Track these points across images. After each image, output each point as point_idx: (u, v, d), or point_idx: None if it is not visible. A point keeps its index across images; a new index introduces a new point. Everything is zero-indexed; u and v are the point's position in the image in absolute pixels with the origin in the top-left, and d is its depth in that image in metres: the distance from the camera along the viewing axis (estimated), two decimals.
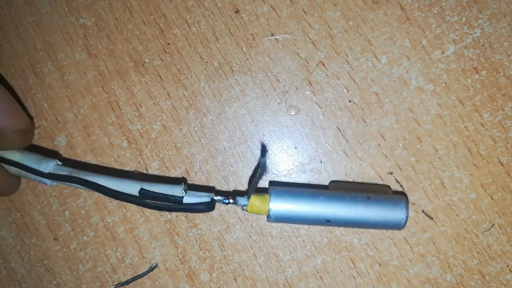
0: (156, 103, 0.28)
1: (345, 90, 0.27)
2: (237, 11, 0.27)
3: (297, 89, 0.27)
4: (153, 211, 0.28)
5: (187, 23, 0.28)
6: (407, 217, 0.23)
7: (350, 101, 0.27)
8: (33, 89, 0.28)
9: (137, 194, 0.23)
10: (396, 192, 0.27)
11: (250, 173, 0.27)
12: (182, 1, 0.28)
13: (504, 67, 0.26)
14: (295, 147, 0.27)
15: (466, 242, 0.27)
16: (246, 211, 0.24)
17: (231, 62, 0.28)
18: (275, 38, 0.27)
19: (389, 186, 0.27)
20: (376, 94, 0.27)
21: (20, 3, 0.28)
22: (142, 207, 0.24)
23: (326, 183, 0.27)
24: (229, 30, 0.28)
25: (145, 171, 0.27)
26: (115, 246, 0.28)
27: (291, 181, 0.27)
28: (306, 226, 0.27)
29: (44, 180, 0.24)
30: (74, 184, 0.24)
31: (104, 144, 0.28)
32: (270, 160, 0.27)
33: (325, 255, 0.27)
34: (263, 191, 0.24)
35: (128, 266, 0.28)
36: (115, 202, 0.28)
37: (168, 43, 0.28)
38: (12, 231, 0.28)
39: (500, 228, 0.26)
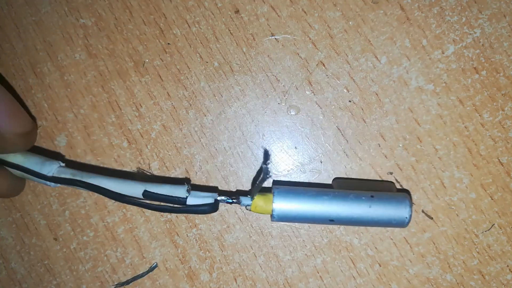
0: (156, 103, 0.28)
1: (345, 90, 0.27)
2: (237, 11, 0.27)
3: (297, 89, 0.27)
4: (153, 211, 0.27)
5: (187, 23, 0.28)
6: (410, 215, 0.23)
7: (350, 101, 0.27)
8: (33, 89, 0.28)
9: (141, 196, 0.23)
10: (400, 190, 0.27)
11: (250, 173, 0.27)
12: (182, 1, 0.28)
13: (504, 67, 0.26)
14: (295, 147, 0.27)
15: (466, 242, 0.27)
16: (250, 210, 0.24)
17: (231, 62, 0.28)
18: (275, 38, 0.27)
19: (393, 183, 0.27)
20: (376, 94, 0.27)
21: (20, 3, 0.28)
22: (145, 209, 0.24)
23: (326, 183, 0.27)
24: (229, 30, 0.28)
25: (148, 171, 0.27)
26: (115, 246, 0.28)
27: (292, 181, 0.27)
28: (306, 226, 0.27)
29: (48, 182, 0.24)
30: (78, 187, 0.24)
31: (104, 144, 0.28)
32: (271, 160, 0.27)
33: (325, 255, 0.27)
34: (266, 190, 0.24)
35: (128, 266, 0.28)
36: (115, 202, 0.28)
37: (168, 43, 0.28)
38: (12, 231, 0.28)
39: (500, 228, 0.26)
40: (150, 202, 0.23)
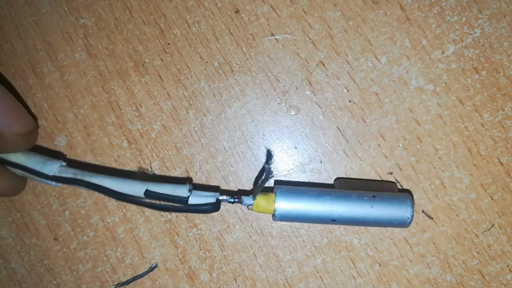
0: (156, 103, 0.28)
1: (345, 90, 0.27)
2: (237, 11, 0.27)
3: (297, 89, 0.27)
4: (153, 211, 0.28)
5: (187, 23, 0.28)
6: (412, 215, 0.23)
7: (350, 101, 0.27)
8: (33, 89, 0.28)
9: (142, 195, 0.23)
10: (402, 190, 0.27)
11: (250, 173, 0.27)
12: (182, 1, 0.28)
13: (504, 67, 0.26)
14: (295, 147, 0.27)
15: (466, 242, 0.27)
16: (252, 210, 0.24)
17: (231, 62, 0.28)
18: (275, 38, 0.27)
19: (394, 183, 0.27)
20: (376, 94, 0.27)
21: (20, 3, 0.28)
22: (146, 208, 0.24)
23: (328, 183, 0.27)
24: (229, 30, 0.28)
25: (149, 170, 0.27)
26: (115, 246, 0.28)
27: (294, 181, 0.27)
28: (306, 226, 0.27)
29: (49, 182, 0.24)
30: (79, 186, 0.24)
31: (104, 144, 0.28)
32: (273, 160, 0.27)
33: (325, 255, 0.27)
34: (267, 190, 0.24)
35: (128, 266, 0.28)
36: (115, 202, 0.28)
37: (168, 43, 0.28)
38: (12, 231, 0.28)
39: (500, 228, 0.26)
40: (152, 201, 0.23)
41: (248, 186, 0.27)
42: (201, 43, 0.28)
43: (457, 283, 0.27)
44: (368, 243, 0.27)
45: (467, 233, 0.27)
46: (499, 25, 0.26)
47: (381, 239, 0.27)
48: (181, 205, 0.23)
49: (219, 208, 0.24)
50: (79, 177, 0.23)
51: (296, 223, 0.27)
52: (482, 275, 0.26)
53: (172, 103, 0.28)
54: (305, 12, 0.27)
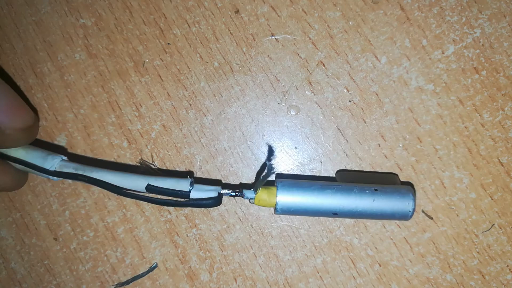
0: (156, 103, 0.28)
1: (345, 90, 0.27)
2: (237, 11, 0.27)
3: (297, 89, 0.27)
4: (153, 211, 0.28)
5: (187, 23, 0.28)
6: (413, 209, 0.24)
7: (350, 101, 0.27)
8: (33, 89, 0.28)
9: (144, 190, 0.23)
10: (404, 182, 0.27)
11: (250, 173, 0.27)
12: (182, 1, 0.28)
13: (504, 67, 0.26)
14: (295, 147, 0.27)
15: (466, 242, 0.27)
16: (253, 204, 0.24)
17: (231, 62, 0.28)
18: (275, 38, 0.27)
19: (396, 175, 0.27)
20: (376, 94, 0.27)
21: (20, 3, 0.28)
22: (148, 203, 0.24)
23: (328, 176, 0.27)
24: (229, 30, 0.28)
25: (151, 162, 0.27)
26: (115, 246, 0.28)
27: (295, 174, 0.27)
28: (306, 226, 0.27)
29: (50, 177, 0.24)
30: (80, 181, 0.24)
31: (104, 144, 0.28)
32: (275, 156, 0.27)
33: (325, 255, 0.27)
34: (269, 183, 0.24)
35: (128, 266, 0.28)
36: (115, 202, 0.28)
37: (168, 43, 0.28)
38: (12, 231, 0.28)
39: (500, 228, 0.26)
40: (154, 196, 0.23)
41: (248, 186, 0.27)
42: (201, 43, 0.28)
43: (457, 283, 0.27)
44: (368, 243, 0.27)
45: (467, 233, 0.27)
46: (499, 25, 0.26)
47: (381, 239, 0.27)
48: (182, 200, 0.23)
49: (221, 202, 0.24)
50: (80, 171, 0.23)
51: (296, 223, 0.27)
52: (482, 275, 0.26)
53: (172, 103, 0.28)
54: (305, 12, 0.27)
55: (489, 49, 0.26)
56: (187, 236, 0.27)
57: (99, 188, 0.24)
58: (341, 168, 0.27)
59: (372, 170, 0.27)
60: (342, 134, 0.27)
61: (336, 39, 0.27)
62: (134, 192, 0.23)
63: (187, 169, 0.28)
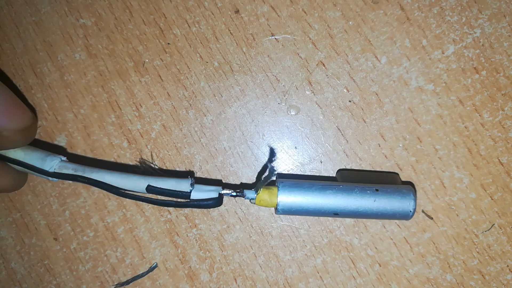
0: (156, 103, 0.28)
1: (345, 90, 0.27)
2: (237, 11, 0.27)
3: (297, 89, 0.27)
4: (153, 211, 0.28)
5: (187, 23, 0.28)
6: (414, 209, 0.24)
7: (350, 101, 0.27)
8: (33, 89, 0.28)
9: (144, 191, 0.23)
10: (405, 182, 0.27)
11: (250, 173, 0.27)
12: (182, 1, 0.28)
13: (504, 67, 0.26)
14: (295, 147, 0.27)
15: (466, 242, 0.27)
16: (254, 204, 0.24)
17: (231, 62, 0.28)
18: (275, 38, 0.27)
19: (397, 174, 0.27)
20: (376, 94, 0.27)
21: (20, 3, 0.28)
22: (148, 204, 0.24)
23: (329, 175, 0.27)
24: (229, 30, 0.28)
25: (151, 161, 0.27)
26: (115, 246, 0.28)
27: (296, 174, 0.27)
28: (306, 226, 0.27)
29: (50, 178, 0.24)
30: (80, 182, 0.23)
31: (104, 144, 0.28)
32: (276, 157, 0.27)
33: (325, 255, 0.27)
34: (270, 183, 0.24)
35: (128, 266, 0.28)
36: (115, 202, 0.28)
37: (168, 43, 0.28)
38: (12, 231, 0.28)
39: (500, 228, 0.26)
40: (154, 197, 0.23)
41: (248, 186, 0.27)
42: (201, 43, 0.28)
43: (457, 283, 0.27)
44: (368, 243, 0.27)
45: (467, 233, 0.27)
46: (499, 25, 0.26)
47: (381, 239, 0.27)
48: (183, 201, 0.23)
49: (222, 202, 0.24)
50: (79, 172, 0.23)
51: (296, 223, 0.27)
52: (482, 275, 0.26)
53: (172, 103, 0.28)
54: (305, 12, 0.27)
55: (489, 49, 0.26)
56: (187, 236, 0.27)
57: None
58: (341, 168, 0.27)
59: (372, 170, 0.27)
60: (342, 134, 0.27)
61: (336, 39, 0.27)
62: (134, 194, 0.23)
63: (187, 169, 0.28)
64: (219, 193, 0.23)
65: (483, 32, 0.26)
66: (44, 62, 0.28)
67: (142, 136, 0.28)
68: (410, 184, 0.27)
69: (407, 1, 0.27)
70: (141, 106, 0.28)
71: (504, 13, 0.26)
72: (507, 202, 0.26)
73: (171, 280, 0.27)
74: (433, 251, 0.27)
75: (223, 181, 0.27)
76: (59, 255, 0.28)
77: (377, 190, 0.24)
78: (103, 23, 0.28)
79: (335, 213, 0.24)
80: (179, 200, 0.23)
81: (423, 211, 0.27)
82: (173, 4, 0.28)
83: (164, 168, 0.28)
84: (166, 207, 0.27)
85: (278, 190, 0.24)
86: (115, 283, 0.28)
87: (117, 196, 0.27)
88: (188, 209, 0.27)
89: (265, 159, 0.27)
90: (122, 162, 0.28)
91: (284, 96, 0.27)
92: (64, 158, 0.24)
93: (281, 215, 0.27)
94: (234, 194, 0.23)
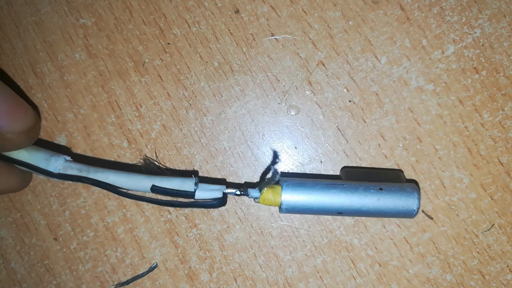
0: (156, 103, 0.28)
1: (345, 90, 0.27)
2: (237, 11, 0.27)
3: (297, 89, 0.27)
4: (153, 211, 0.28)
5: (187, 23, 0.28)
6: (418, 207, 0.24)
7: (350, 101, 0.27)
8: (33, 89, 0.28)
9: (149, 191, 0.23)
10: (409, 180, 0.27)
11: (250, 173, 0.27)
12: (182, 1, 0.28)
13: (504, 67, 0.26)
14: (295, 147, 0.27)
15: (466, 242, 0.27)
16: (258, 202, 0.24)
17: (231, 62, 0.28)
18: (275, 38, 0.27)
19: (402, 171, 0.27)
20: (376, 94, 0.27)
21: (20, 3, 0.28)
22: (153, 204, 0.24)
23: (333, 174, 0.27)
24: (229, 30, 0.28)
25: (155, 160, 0.27)
26: (115, 246, 0.28)
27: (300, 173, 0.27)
28: (306, 226, 0.27)
29: (55, 179, 0.24)
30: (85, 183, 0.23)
31: (104, 144, 0.28)
32: (279, 160, 0.27)
33: (325, 255, 0.27)
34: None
35: (128, 266, 0.28)
36: (115, 202, 0.28)
37: (168, 43, 0.28)
38: (12, 231, 0.28)
39: (500, 228, 0.26)
40: (159, 197, 0.23)
41: (252, 185, 0.27)
42: (201, 43, 0.28)
43: (457, 283, 0.27)
44: (368, 243, 0.27)
45: (467, 233, 0.27)
46: (499, 25, 0.26)
47: (381, 239, 0.27)
48: (187, 201, 0.23)
49: (226, 202, 0.24)
50: (84, 173, 0.23)
51: (296, 223, 0.27)
52: (482, 275, 0.26)
53: (172, 103, 0.28)
54: (305, 12, 0.27)
55: (489, 49, 0.26)
56: (187, 236, 0.27)
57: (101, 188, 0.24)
58: (345, 166, 0.27)
59: (376, 167, 0.27)
60: (342, 134, 0.27)
61: (336, 39, 0.27)
62: (140, 195, 0.23)
63: (187, 169, 0.28)
64: (223, 192, 0.23)
65: (483, 32, 0.26)
66: (44, 62, 0.28)
67: (142, 136, 0.28)
68: (414, 182, 0.27)
69: (407, 1, 0.27)
70: (141, 106, 0.28)
71: (504, 13, 0.26)
72: (507, 202, 0.26)
73: (171, 280, 0.27)
74: (433, 251, 0.27)
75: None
76: (59, 255, 0.28)
77: (381, 189, 0.24)
78: (103, 23, 0.28)
79: (339, 212, 0.24)
80: (184, 200, 0.23)
81: (423, 211, 0.27)
82: (173, 4, 0.28)
83: (164, 168, 0.28)
84: (166, 207, 0.27)
85: (282, 189, 0.24)
86: (115, 283, 0.28)
87: (117, 196, 0.27)
88: (188, 208, 0.27)
89: (265, 159, 0.27)
90: (122, 162, 0.28)
91: (284, 96, 0.27)
92: (68, 158, 0.24)
93: (281, 215, 0.27)
94: (239, 193, 0.23)
